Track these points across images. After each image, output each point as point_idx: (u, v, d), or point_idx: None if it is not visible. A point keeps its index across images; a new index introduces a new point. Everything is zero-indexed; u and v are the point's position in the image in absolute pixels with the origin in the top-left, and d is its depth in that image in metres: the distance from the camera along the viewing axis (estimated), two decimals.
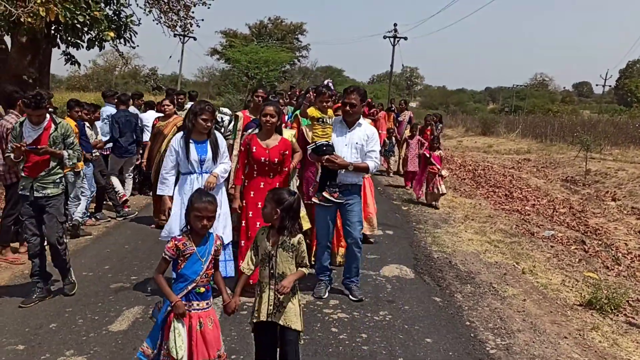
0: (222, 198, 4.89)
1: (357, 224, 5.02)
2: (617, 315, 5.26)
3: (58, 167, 4.78)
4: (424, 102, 73.17)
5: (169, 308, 3.01)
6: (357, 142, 4.97)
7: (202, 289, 3.07)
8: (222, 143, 4.98)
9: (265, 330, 3.22)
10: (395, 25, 40.15)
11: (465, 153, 23.70)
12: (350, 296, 5.06)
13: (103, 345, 4.00)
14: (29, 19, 8.48)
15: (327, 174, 4.91)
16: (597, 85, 74.58)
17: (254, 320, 3.22)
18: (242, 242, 4.95)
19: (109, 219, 8.06)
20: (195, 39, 35.68)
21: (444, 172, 10.07)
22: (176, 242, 3.04)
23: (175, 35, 28.55)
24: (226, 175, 5.03)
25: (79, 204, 7.17)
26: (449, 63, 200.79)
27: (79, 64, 12.77)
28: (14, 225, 6.17)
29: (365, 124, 5.14)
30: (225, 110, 20.05)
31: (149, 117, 9.55)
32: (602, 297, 5.41)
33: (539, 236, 8.40)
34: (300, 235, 3.26)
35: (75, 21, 9.71)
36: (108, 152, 8.75)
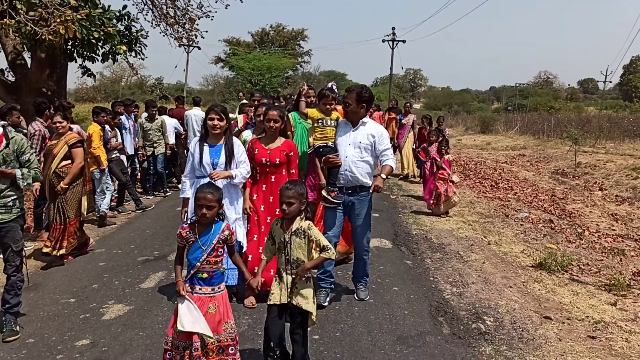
0: (237, 203, 4.91)
1: (364, 228, 4.94)
2: (563, 274, 6.23)
3: (9, 189, 4.26)
4: (428, 103, 74.04)
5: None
6: (361, 141, 4.85)
7: (205, 275, 3.29)
8: (239, 149, 4.85)
9: (278, 313, 3.41)
10: (393, 28, 41.24)
11: (462, 150, 24.61)
12: (354, 295, 5.11)
13: (137, 296, 5.08)
14: (50, 37, 9.51)
15: (329, 175, 4.89)
16: (599, 81, 75.06)
17: (269, 302, 3.42)
18: (255, 236, 4.95)
19: (130, 211, 9.13)
20: (199, 48, 36.89)
21: (455, 178, 9.47)
22: (181, 231, 3.36)
23: (180, 45, 29.70)
24: (242, 180, 4.84)
25: (105, 197, 8.24)
26: (453, 64, 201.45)
27: (95, 76, 13.82)
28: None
29: (370, 123, 5.01)
30: (231, 115, 21.17)
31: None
32: (552, 260, 6.39)
33: (513, 218, 9.38)
34: (309, 222, 3.47)
35: (91, 37, 10.66)
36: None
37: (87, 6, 10.35)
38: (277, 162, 4.91)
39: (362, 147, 4.84)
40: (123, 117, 9.95)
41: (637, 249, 8.47)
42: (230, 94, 46.53)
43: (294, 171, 5.06)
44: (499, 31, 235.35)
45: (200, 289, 3.29)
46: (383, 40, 41.69)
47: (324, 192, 4.82)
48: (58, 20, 9.48)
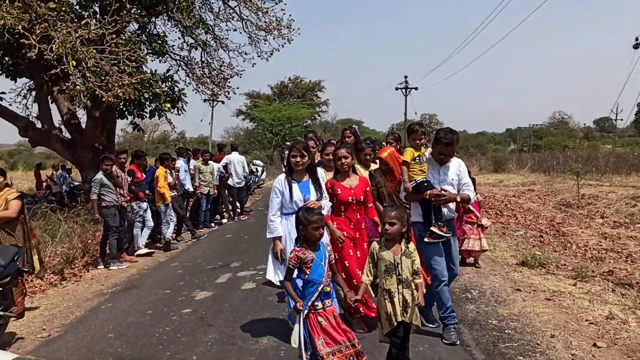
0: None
1: (457, 258, 5.20)
2: (541, 269, 7.84)
3: None
4: None
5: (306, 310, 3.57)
6: (453, 179, 4.94)
7: (328, 288, 3.62)
8: (322, 184, 4.99)
9: (399, 329, 3.73)
10: (405, 77, 43.75)
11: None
12: (442, 338, 4.93)
13: (216, 287, 6.90)
14: (111, 99, 11.38)
15: (431, 211, 4.86)
16: (617, 120, 76.21)
17: (395, 322, 3.68)
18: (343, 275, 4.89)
19: (187, 240, 11.02)
20: (223, 102, 39.46)
21: (484, 221, 8.58)
22: (297, 253, 3.60)
23: (205, 101, 32.08)
24: (326, 214, 4.86)
25: (169, 227, 10.13)
26: (468, 108, 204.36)
27: (144, 131, 15.87)
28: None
29: (454, 159, 5.05)
30: (258, 162, 23.33)
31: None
32: (533, 259, 8.01)
33: (510, 235, 11.01)
34: (412, 244, 3.79)
35: (142, 97, 12.66)
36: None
37: (138, 72, 12.42)
38: (362, 199, 5.17)
39: (453, 184, 4.94)
40: (182, 162, 11.91)
41: (616, 258, 9.99)
42: (251, 144, 48.81)
43: (371, 205, 5.31)
44: (513, 73, 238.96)
45: (329, 303, 3.62)
46: (396, 89, 44.21)
47: (434, 229, 4.76)
48: (117, 85, 11.42)
